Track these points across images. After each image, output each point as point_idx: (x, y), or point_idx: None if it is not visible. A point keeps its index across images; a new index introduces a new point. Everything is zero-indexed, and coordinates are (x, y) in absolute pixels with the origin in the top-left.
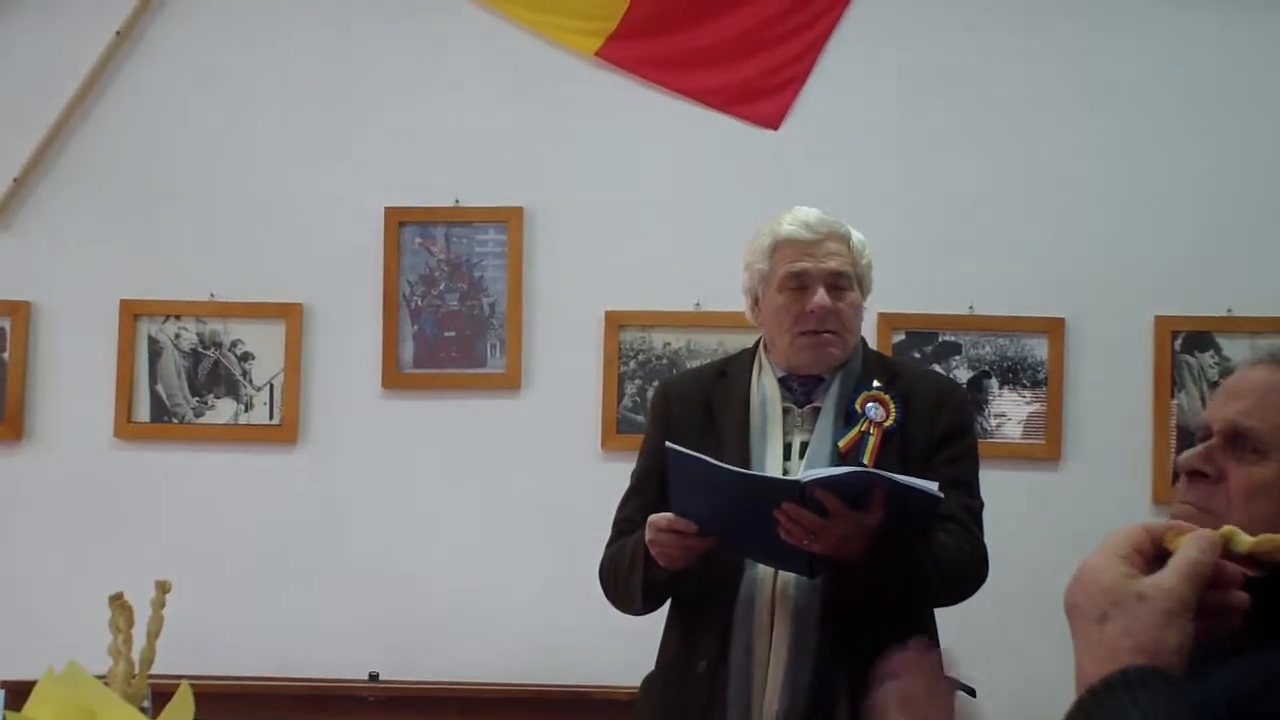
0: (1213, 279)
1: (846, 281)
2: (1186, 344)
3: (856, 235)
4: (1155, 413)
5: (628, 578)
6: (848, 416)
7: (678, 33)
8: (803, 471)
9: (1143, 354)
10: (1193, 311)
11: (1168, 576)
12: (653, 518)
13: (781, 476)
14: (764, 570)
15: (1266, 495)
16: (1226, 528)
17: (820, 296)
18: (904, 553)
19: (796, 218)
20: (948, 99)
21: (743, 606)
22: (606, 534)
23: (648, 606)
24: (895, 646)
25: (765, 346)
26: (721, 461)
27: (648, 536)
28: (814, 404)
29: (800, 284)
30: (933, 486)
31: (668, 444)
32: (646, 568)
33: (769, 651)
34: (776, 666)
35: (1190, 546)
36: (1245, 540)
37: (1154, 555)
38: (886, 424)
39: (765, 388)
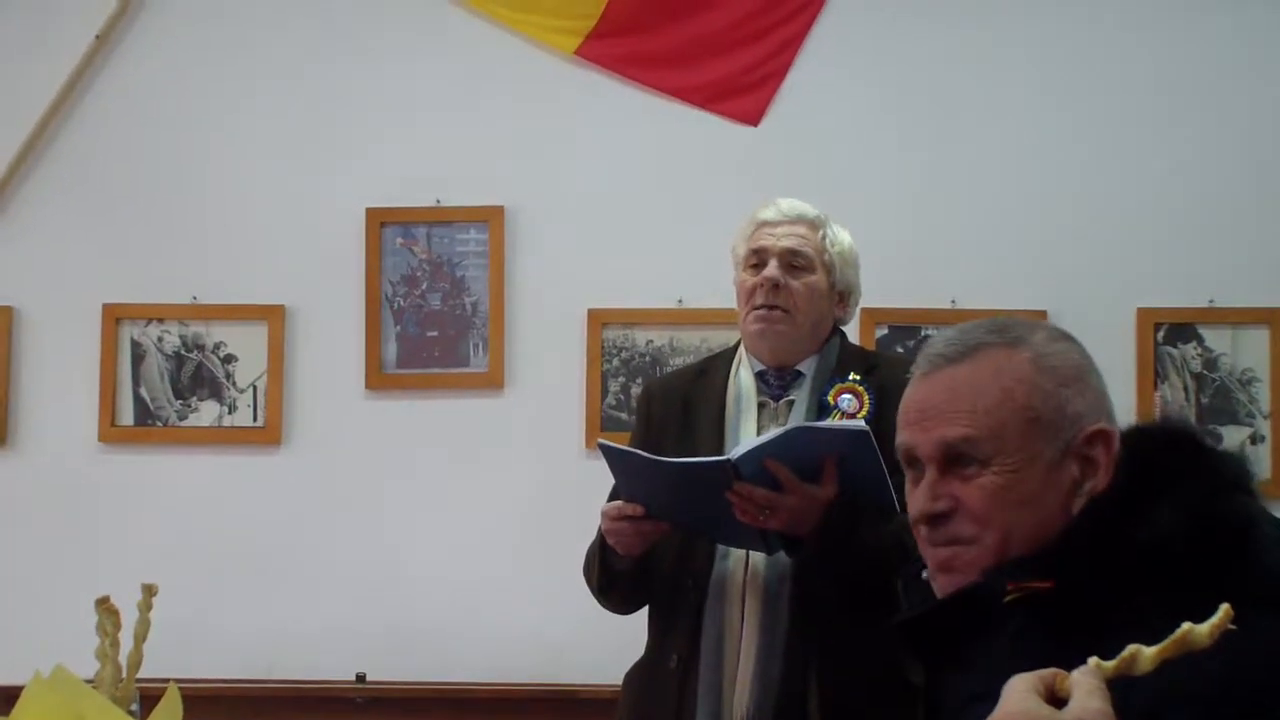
0: (1194, 270)
1: (804, 261)
2: (1169, 335)
3: (835, 229)
4: (1138, 404)
5: (593, 571)
6: (821, 409)
7: (656, 30)
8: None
9: (1125, 346)
10: (1175, 303)
11: (1092, 700)
12: (603, 508)
13: (711, 459)
14: (735, 564)
15: (1008, 501)
16: (1128, 650)
17: (770, 268)
18: (860, 524)
19: (772, 202)
20: (927, 93)
21: (713, 602)
22: (591, 532)
23: (619, 602)
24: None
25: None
26: (699, 456)
27: (603, 527)
28: (789, 398)
29: (759, 260)
30: (859, 425)
31: (599, 441)
32: (605, 559)
33: (739, 647)
34: (747, 662)
35: (1087, 677)
36: (1147, 659)
37: (1050, 698)
38: (859, 415)
39: (741, 382)
